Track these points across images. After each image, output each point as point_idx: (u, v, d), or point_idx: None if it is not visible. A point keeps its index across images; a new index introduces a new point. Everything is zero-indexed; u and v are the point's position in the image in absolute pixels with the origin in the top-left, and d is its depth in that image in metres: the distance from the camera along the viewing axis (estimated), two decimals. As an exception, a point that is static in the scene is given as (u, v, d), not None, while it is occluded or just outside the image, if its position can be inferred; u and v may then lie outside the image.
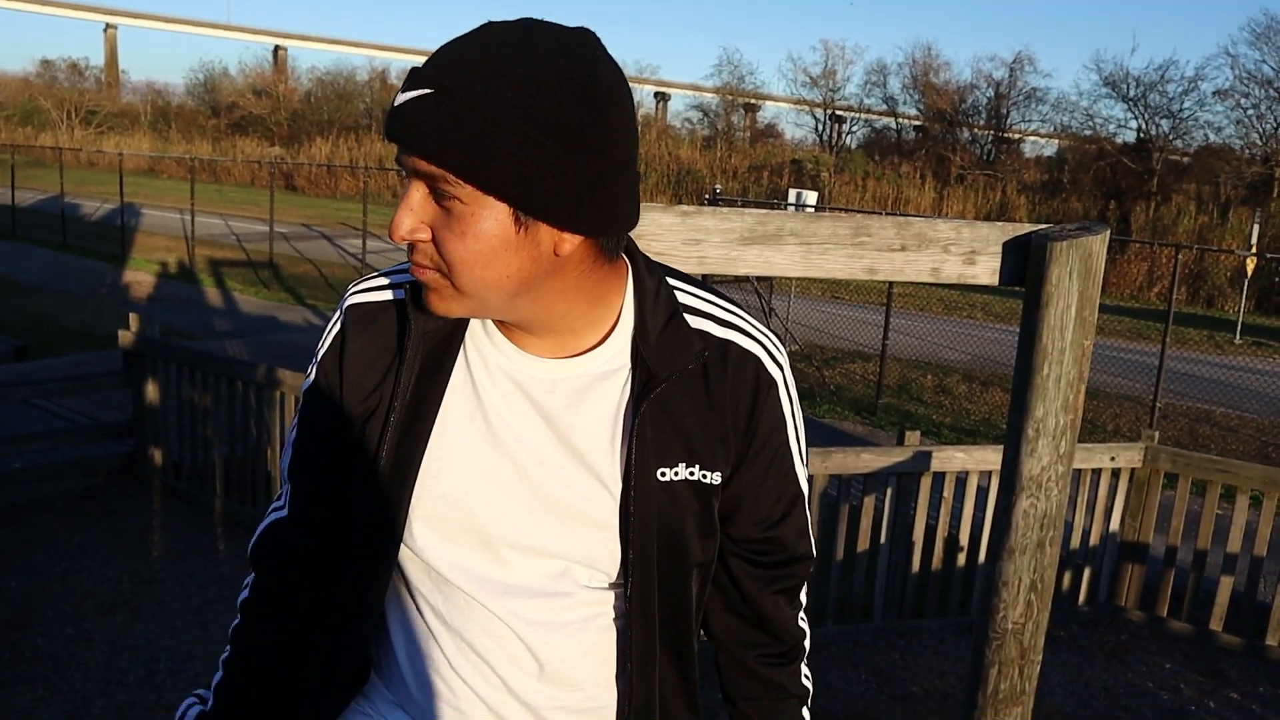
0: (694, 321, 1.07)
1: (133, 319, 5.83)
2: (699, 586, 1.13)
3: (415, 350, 1.05)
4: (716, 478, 1.08)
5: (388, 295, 1.09)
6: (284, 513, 1.17)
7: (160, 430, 5.80)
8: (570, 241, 0.97)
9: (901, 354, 11.48)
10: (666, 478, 1.05)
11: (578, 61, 0.92)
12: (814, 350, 11.89)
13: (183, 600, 4.45)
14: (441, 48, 0.94)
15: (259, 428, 5.40)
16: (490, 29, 0.93)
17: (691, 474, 1.06)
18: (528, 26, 0.94)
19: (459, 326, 1.06)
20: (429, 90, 0.91)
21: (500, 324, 1.06)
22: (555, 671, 1.09)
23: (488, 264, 0.95)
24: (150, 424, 5.83)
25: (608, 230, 0.99)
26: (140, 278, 14.76)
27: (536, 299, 1.00)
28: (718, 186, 25.71)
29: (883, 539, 4.57)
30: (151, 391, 5.78)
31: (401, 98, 0.92)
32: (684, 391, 1.05)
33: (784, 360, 1.12)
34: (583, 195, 0.94)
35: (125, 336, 5.81)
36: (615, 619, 1.11)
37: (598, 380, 1.05)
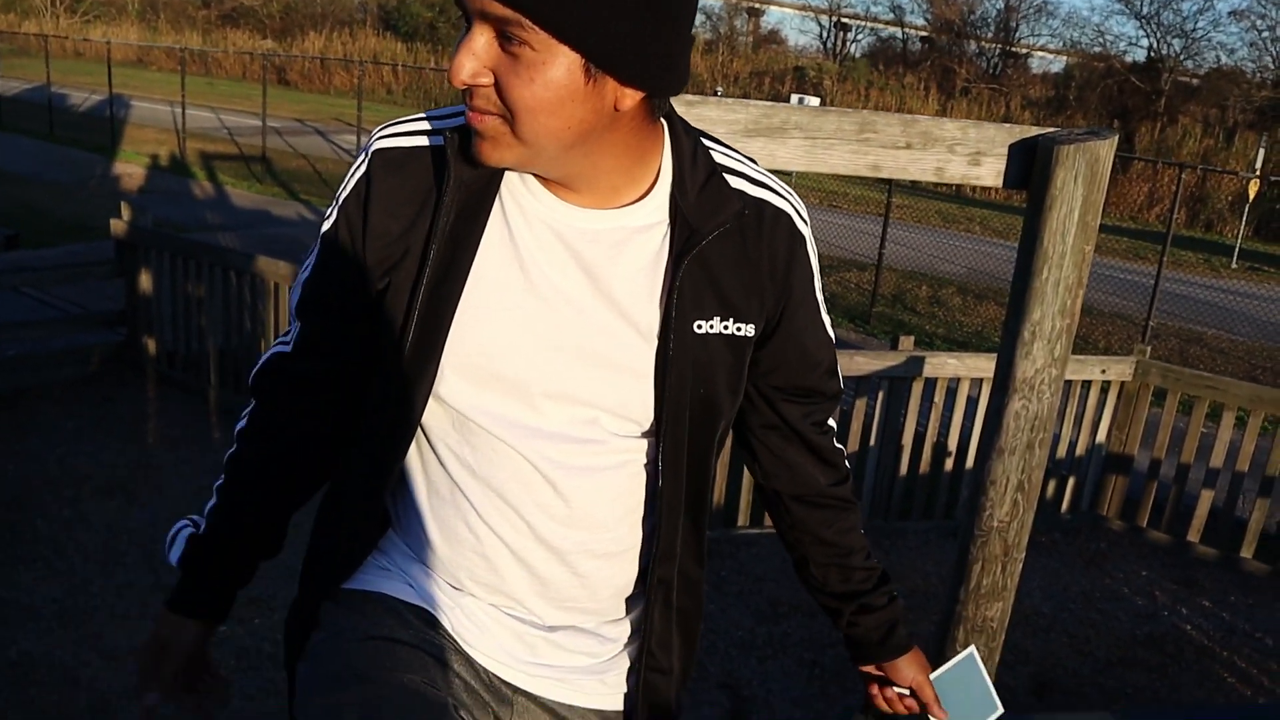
0: (732, 181, 1.10)
1: (124, 208, 5.77)
2: (719, 442, 1.17)
3: (452, 198, 1.04)
4: (750, 330, 1.11)
5: (419, 141, 1.08)
6: (287, 348, 1.17)
7: (154, 320, 5.79)
8: (632, 97, 0.98)
9: (897, 265, 11.47)
10: (702, 330, 1.08)
11: None
12: (810, 260, 11.84)
13: (179, 486, 4.50)
14: None
15: (253, 320, 5.39)
16: None
17: (726, 327, 1.09)
18: None
19: (495, 177, 1.05)
20: None
21: (539, 176, 1.06)
22: (584, 515, 1.11)
23: (553, 113, 0.95)
24: (144, 313, 5.82)
25: (668, 88, 1.00)
26: (131, 170, 14.56)
27: (588, 153, 1.01)
28: (719, 89, 25.31)
29: (872, 441, 4.63)
30: (145, 281, 5.75)
31: None
32: (720, 247, 1.08)
33: (808, 218, 1.17)
34: (652, 51, 0.95)
35: (117, 225, 5.76)
36: (645, 465, 1.13)
37: (637, 233, 1.07)
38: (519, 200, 1.06)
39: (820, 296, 1.19)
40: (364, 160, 1.09)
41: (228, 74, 32.25)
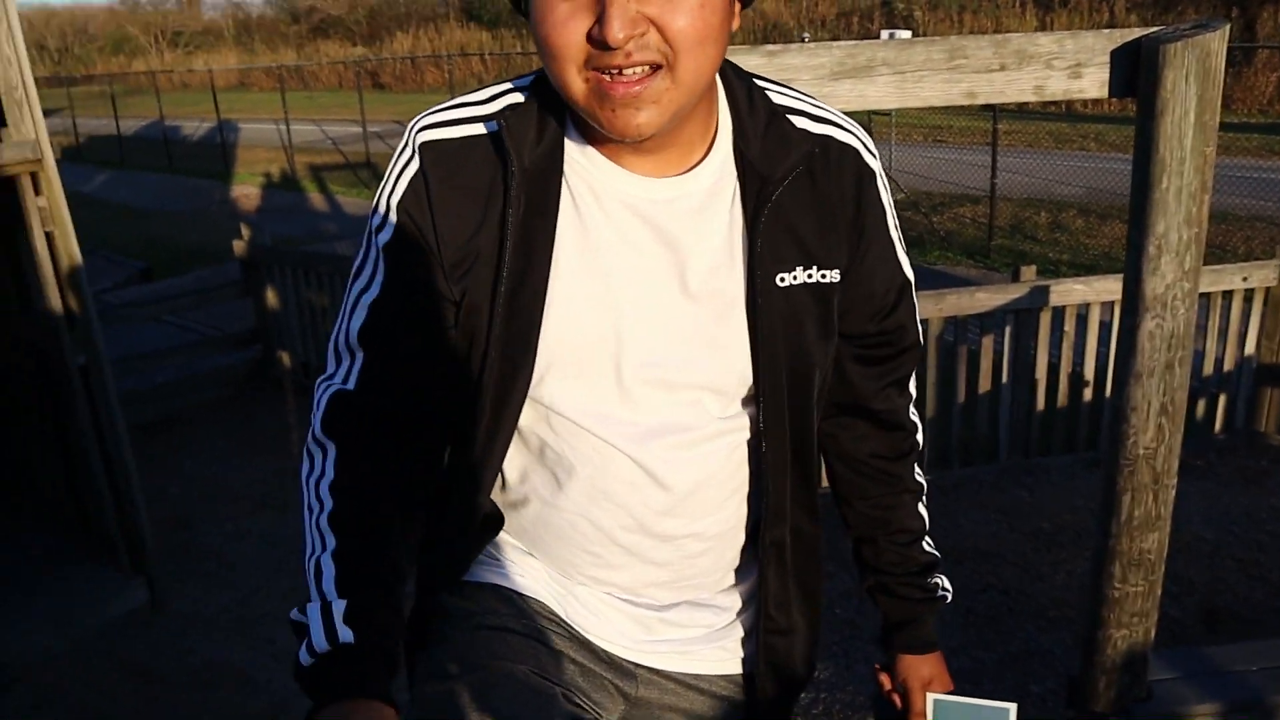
0: (795, 121, 1.05)
1: (244, 230, 6.02)
2: (819, 393, 1.12)
3: (519, 190, 0.97)
4: (835, 275, 1.06)
5: (469, 130, 1.01)
6: (348, 386, 1.04)
7: (285, 333, 6.03)
8: (739, 18, 0.97)
9: (1012, 193, 11.04)
10: (786, 283, 1.03)
11: None
12: (920, 197, 11.52)
13: (325, 491, 4.69)
14: None
15: (375, 323, 5.55)
16: None
17: (810, 276, 1.04)
18: None
19: (557, 159, 0.99)
20: None
21: (601, 149, 1.00)
22: (689, 503, 1.08)
23: (716, 40, 0.91)
24: (274, 328, 6.06)
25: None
26: (246, 191, 15.15)
27: (702, 96, 0.97)
28: (805, 35, 24.77)
29: (1004, 379, 4.49)
30: (271, 297, 5.99)
31: None
32: (792, 193, 1.02)
33: (875, 150, 1.10)
34: None
35: (239, 246, 6.01)
36: (748, 437, 1.10)
37: (710, 196, 1.02)
38: (587, 178, 1.00)
39: (895, 234, 1.12)
40: (411, 155, 1.01)
41: (324, 85, 33.13)
